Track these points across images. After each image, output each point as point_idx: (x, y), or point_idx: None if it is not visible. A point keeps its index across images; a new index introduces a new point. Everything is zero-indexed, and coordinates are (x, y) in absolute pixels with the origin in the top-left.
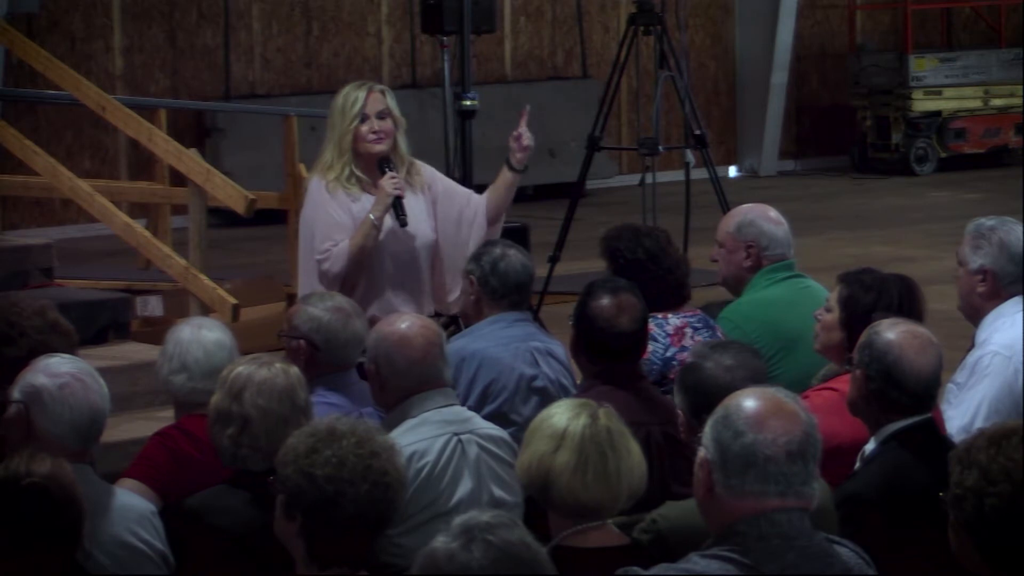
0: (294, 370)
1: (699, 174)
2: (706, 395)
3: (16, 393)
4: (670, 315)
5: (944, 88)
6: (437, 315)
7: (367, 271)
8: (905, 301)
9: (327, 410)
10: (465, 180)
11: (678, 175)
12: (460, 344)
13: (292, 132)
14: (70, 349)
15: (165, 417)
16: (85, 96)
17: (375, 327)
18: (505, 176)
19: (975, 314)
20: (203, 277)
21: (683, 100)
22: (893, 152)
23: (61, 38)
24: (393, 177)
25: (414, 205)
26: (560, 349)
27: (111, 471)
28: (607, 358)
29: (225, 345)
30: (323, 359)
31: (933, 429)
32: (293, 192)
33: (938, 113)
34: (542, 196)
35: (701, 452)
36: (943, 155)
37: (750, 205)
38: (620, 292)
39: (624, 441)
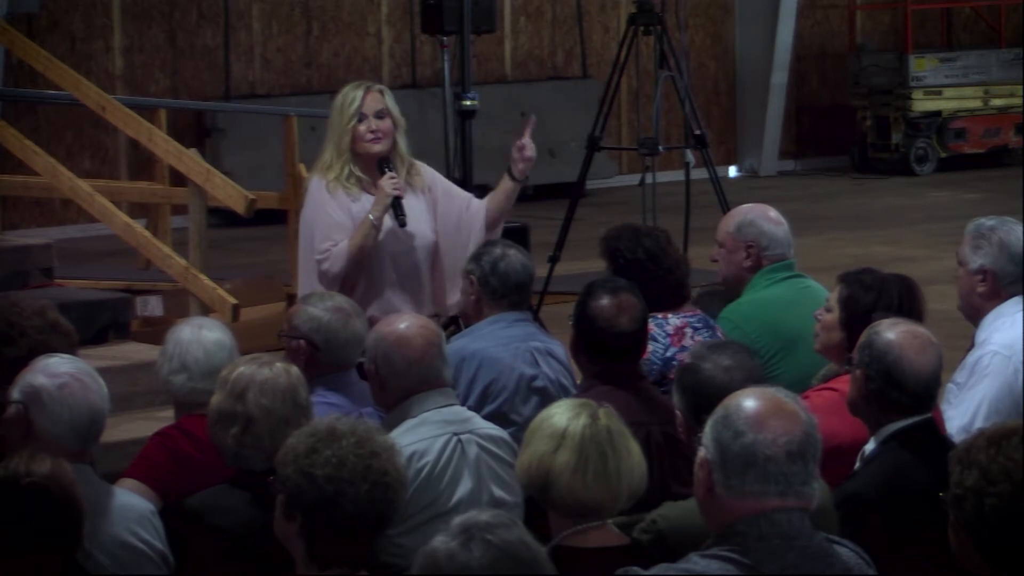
0: (295, 370)
1: (699, 174)
2: (704, 396)
3: (16, 393)
4: (670, 315)
5: (944, 88)
6: (436, 315)
7: (367, 271)
8: (905, 301)
9: (327, 410)
10: (465, 180)
11: (678, 175)
12: (460, 344)
13: (292, 132)
14: (70, 349)
15: (165, 417)
16: (85, 96)
17: (374, 327)
18: (506, 185)
19: (975, 314)
20: (203, 277)
21: (683, 100)
22: (893, 152)
23: (61, 38)
24: (392, 177)
25: (414, 206)
26: (560, 349)
27: (111, 471)
28: (607, 358)
29: (225, 345)
30: (323, 359)
31: (933, 429)
32: (293, 192)
33: (938, 113)
34: (542, 196)
35: (701, 452)
36: (943, 155)
37: (750, 205)
38: (620, 292)
39: (624, 441)
